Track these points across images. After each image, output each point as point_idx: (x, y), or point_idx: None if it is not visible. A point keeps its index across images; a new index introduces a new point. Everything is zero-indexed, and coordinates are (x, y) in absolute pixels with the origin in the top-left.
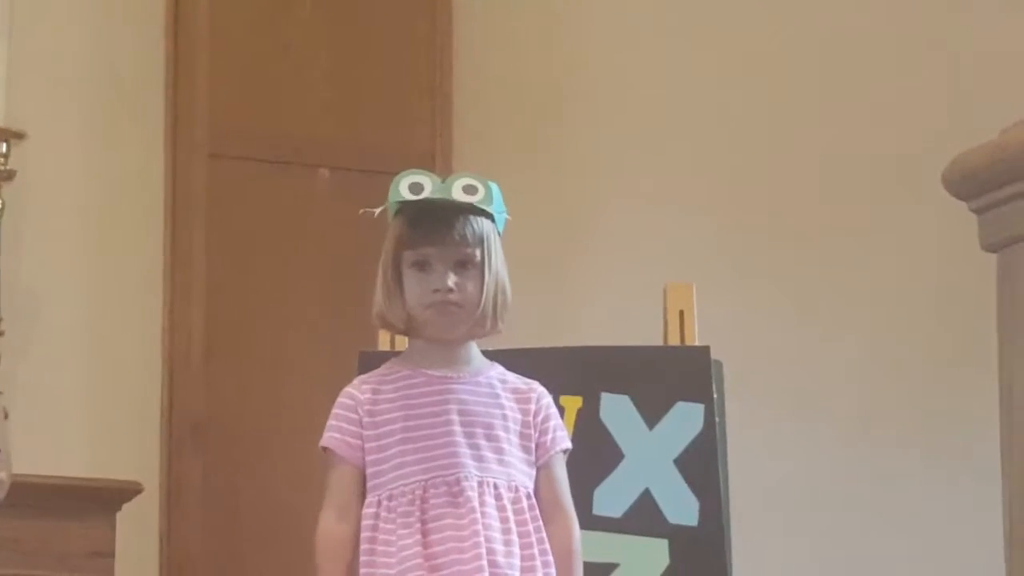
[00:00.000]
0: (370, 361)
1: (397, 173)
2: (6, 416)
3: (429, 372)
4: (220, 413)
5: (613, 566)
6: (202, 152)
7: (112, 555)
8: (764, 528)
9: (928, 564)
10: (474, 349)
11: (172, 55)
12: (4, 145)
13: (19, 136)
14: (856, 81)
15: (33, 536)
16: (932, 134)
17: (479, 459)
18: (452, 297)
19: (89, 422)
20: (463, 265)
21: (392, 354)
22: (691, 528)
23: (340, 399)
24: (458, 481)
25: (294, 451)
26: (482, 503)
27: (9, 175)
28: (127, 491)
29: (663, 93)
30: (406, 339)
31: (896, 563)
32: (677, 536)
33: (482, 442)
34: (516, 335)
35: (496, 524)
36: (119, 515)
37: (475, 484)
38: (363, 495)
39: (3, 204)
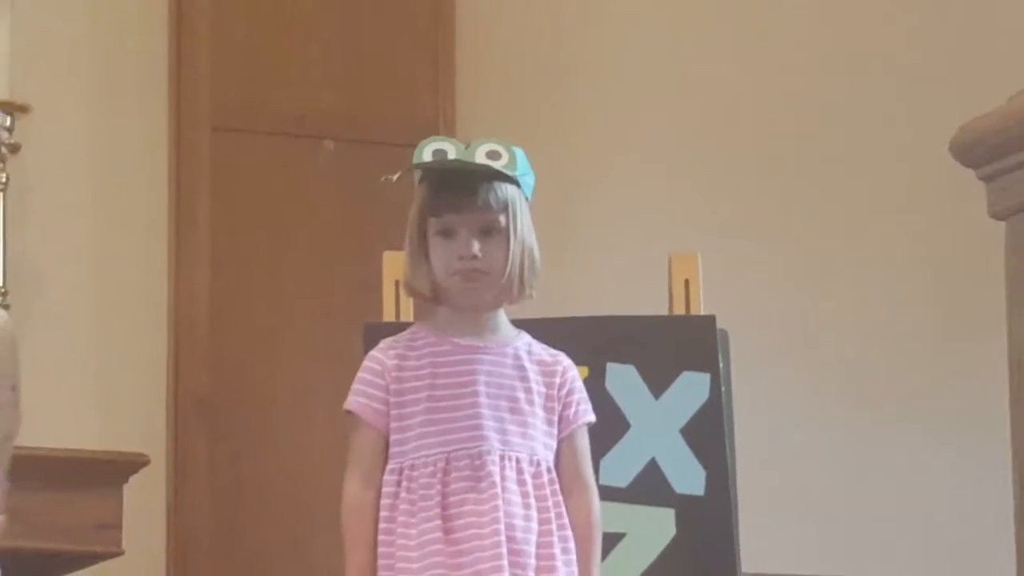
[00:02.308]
0: (376, 333)
1: (400, 144)
2: (14, 389)
3: (456, 340)
4: (225, 385)
5: (620, 536)
6: (205, 125)
7: (119, 527)
8: (770, 497)
9: (933, 530)
10: (502, 317)
11: (175, 28)
12: (8, 119)
13: (23, 109)
14: (859, 48)
15: (40, 508)
16: (937, 100)
17: (503, 432)
18: (477, 264)
19: (95, 395)
20: (488, 232)
21: (399, 326)
22: (698, 497)
23: (367, 363)
24: (480, 455)
25: (299, 423)
26: (503, 478)
27: (14, 148)
28: (134, 463)
29: (667, 62)
30: (411, 312)
31: (900, 529)
32: (684, 505)
33: (506, 415)
34: (521, 305)
35: (517, 500)
36: (126, 487)
37: (497, 459)
38: (387, 460)
39: (7, 178)
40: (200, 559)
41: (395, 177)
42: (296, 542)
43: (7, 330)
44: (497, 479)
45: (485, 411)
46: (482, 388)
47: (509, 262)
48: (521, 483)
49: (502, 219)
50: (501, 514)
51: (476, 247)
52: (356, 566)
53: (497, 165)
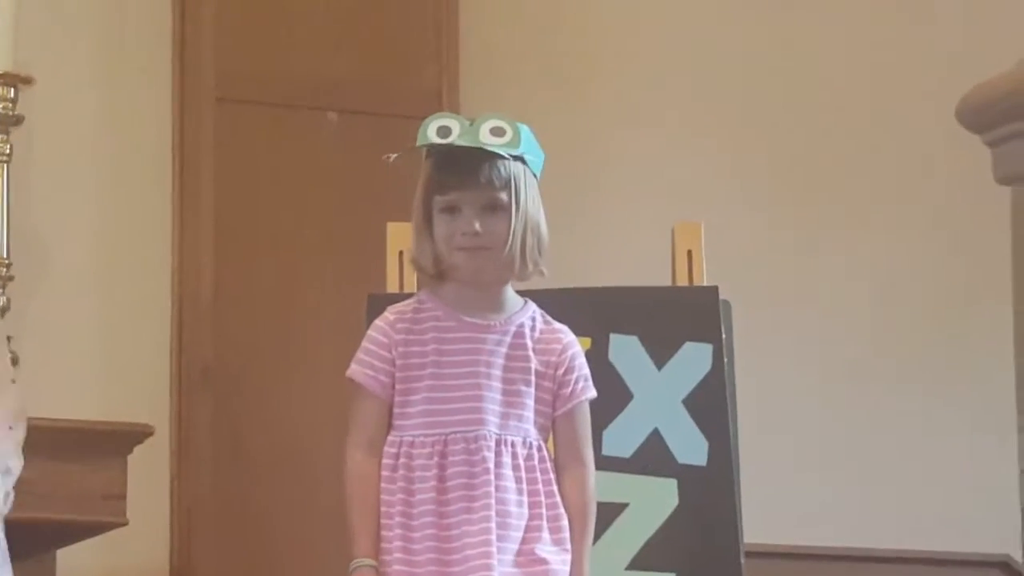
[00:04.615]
0: (379, 304)
1: (404, 115)
2: (16, 362)
3: (462, 317)
4: (229, 356)
5: (623, 506)
6: (209, 96)
7: (124, 497)
8: (772, 468)
9: (931, 498)
10: (507, 293)
11: None
12: (12, 90)
13: (27, 81)
14: (865, 15)
15: (45, 479)
16: (944, 65)
17: (500, 416)
18: (479, 241)
19: (99, 365)
20: (491, 208)
21: (403, 296)
22: (700, 468)
23: (373, 333)
24: (476, 440)
25: (303, 393)
26: (499, 464)
27: (17, 120)
28: (138, 433)
29: (673, 32)
30: (415, 283)
31: (906, 499)
32: (686, 476)
33: (505, 398)
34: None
35: (512, 485)
36: (130, 458)
37: (493, 444)
38: (390, 428)
39: (11, 149)
40: (204, 529)
41: (392, 158)
42: (300, 511)
43: None
44: (491, 466)
45: (485, 394)
46: (483, 370)
47: (510, 238)
48: (516, 467)
49: (504, 196)
50: (492, 501)
51: (478, 224)
52: (362, 533)
53: (501, 142)
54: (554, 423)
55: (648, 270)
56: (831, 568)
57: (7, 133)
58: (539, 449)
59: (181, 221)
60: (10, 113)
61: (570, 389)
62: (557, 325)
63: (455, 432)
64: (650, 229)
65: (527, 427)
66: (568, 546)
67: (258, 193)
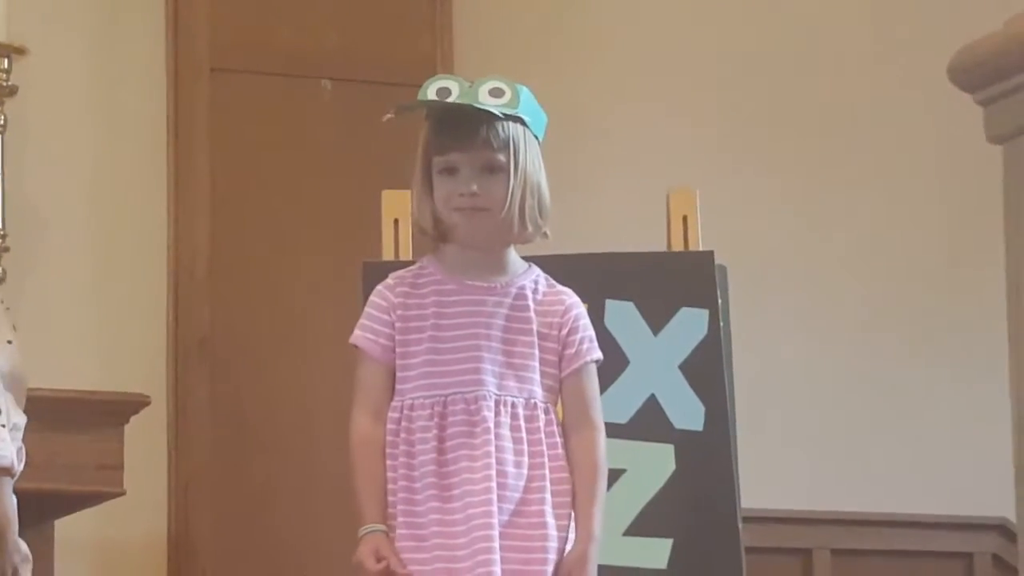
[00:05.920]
0: (375, 271)
1: (398, 83)
2: (14, 329)
3: (462, 279)
4: (226, 326)
5: (620, 472)
6: (204, 66)
7: (121, 467)
8: (769, 433)
9: (928, 462)
10: (510, 255)
11: None
12: (6, 61)
13: (21, 52)
14: None
15: (42, 449)
16: (938, 24)
17: (500, 376)
18: (476, 202)
19: (96, 336)
20: (490, 169)
21: (398, 264)
22: (697, 433)
23: (374, 298)
24: (476, 400)
25: (300, 362)
26: (497, 424)
27: (11, 91)
28: (135, 403)
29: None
30: (411, 250)
31: (898, 462)
32: (683, 441)
33: (505, 359)
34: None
35: (509, 446)
36: (127, 427)
37: (492, 404)
38: (393, 394)
39: (5, 120)
40: (201, 499)
41: (385, 118)
42: (298, 480)
43: None
44: (491, 425)
45: (484, 355)
46: (483, 331)
47: (508, 199)
48: (515, 428)
49: (502, 157)
50: (493, 460)
51: (475, 184)
52: (370, 499)
53: (499, 102)
54: (561, 385)
55: (644, 236)
56: (829, 532)
57: (1, 104)
58: (545, 412)
59: (176, 191)
60: (4, 84)
61: (574, 350)
62: (560, 288)
63: (455, 393)
64: (645, 196)
65: (531, 388)
66: (570, 510)
67: (253, 163)
